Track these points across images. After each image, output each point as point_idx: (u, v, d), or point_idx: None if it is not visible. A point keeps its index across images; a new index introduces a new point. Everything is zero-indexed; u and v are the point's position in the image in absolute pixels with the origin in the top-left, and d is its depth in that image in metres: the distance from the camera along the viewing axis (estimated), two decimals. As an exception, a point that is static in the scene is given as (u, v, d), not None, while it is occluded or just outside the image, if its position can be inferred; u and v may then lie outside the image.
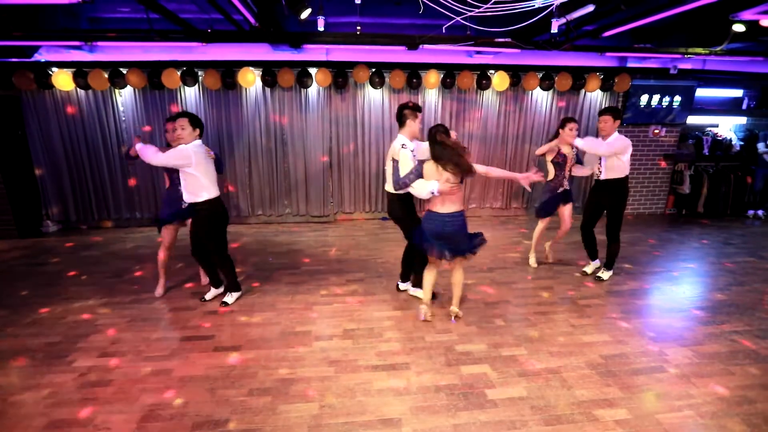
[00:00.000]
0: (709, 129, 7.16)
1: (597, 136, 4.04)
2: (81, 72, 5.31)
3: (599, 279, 4.12)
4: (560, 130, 3.96)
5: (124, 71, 5.40)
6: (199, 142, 3.25)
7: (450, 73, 5.84)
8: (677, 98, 6.36)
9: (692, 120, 6.76)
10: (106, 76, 5.35)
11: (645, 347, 2.95)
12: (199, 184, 3.21)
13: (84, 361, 2.78)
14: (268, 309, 3.53)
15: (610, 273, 4.16)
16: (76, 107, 5.67)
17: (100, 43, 4.99)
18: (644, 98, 6.32)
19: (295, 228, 6.20)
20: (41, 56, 5.31)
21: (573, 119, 3.95)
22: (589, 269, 4.29)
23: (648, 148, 6.74)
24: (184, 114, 3.21)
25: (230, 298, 3.63)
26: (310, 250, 5.12)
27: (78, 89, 5.56)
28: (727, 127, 7.26)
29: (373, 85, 5.84)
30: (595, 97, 6.43)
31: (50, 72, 5.34)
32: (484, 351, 2.91)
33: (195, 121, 3.23)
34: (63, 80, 5.31)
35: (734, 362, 2.79)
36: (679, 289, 3.98)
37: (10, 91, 5.45)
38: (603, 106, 6.48)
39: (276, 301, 3.69)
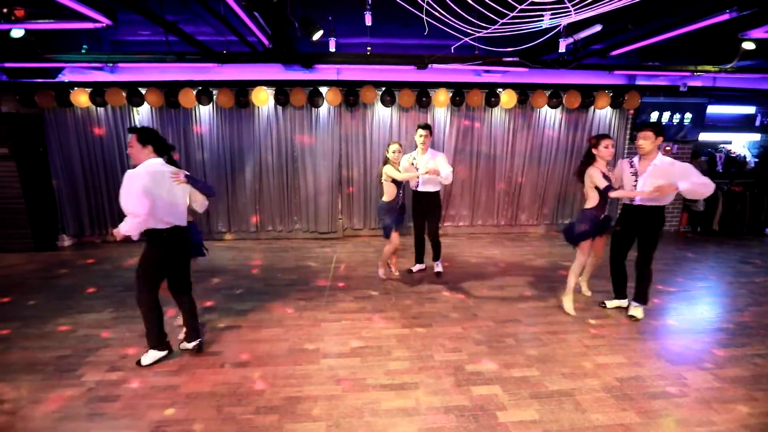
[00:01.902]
0: (722, 145, 7.08)
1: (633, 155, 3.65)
2: (101, 91, 5.52)
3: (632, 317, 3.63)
4: (594, 150, 3.46)
5: (143, 91, 5.59)
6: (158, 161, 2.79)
7: (459, 91, 5.92)
8: (688, 115, 6.32)
9: (704, 137, 6.70)
10: (125, 95, 5.55)
11: (662, 370, 2.85)
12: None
13: (93, 375, 2.79)
14: (275, 325, 3.51)
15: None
16: (96, 125, 5.86)
17: (120, 64, 5.21)
18: (654, 115, 6.29)
19: (304, 244, 6.22)
20: (64, 77, 5.54)
21: (608, 135, 3.50)
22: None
23: (659, 165, 6.66)
24: (132, 130, 2.77)
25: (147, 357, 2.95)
26: (319, 266, 5.12)
27: (98, 107, 5.76)
28: (741, 144, 7.17)
29: (384, 104, 5.93)
30: (604, 114, 6.43)
31: (71, 91, 5.55)
32: (494, 371, 2.84)
33: (143, 137, 2.73)
34: (83, 99, 5.53)
35: (758, 387, 2.67)
36: (696, 310, 3.86)
37: (33, 110, 5.68)
38: (612, 124, 6.49)
39: (284, 317, 3.67)
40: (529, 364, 2.93)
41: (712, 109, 6.58)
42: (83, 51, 4.83)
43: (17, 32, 3.70)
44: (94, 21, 3.31)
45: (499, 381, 2.73)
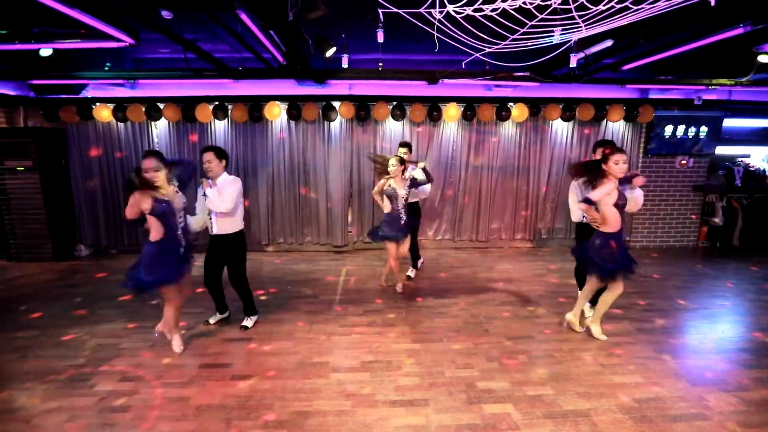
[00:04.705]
0: (740, 159, 6.94)
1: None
2: (122, 107, 5.72)
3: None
4: (603, 165, 3.13)
5: (161, 106, 5.77)
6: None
7: (470, 105, 5.95)
8: (704, 128, 6.23)
9: (721, 150, 6.58)
10: (144, 110, 5.74)
11: (682, 391, 2.75)
12: (239, 215, 3.48)
13: (105, 385, 2.81)
14: (285, 338, 3.51)
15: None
16: (116, 139, 6.06)
17: (141, 81, 5.40)
18: (669, 129, 6.22)
19: (314, 256, 6.24)
20: (88, 92, 5.76)
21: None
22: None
23: (675, 179, 6.56)
24: (210, 148, 3.41)
25: (249, 321, 3.71)
26: (329, 279, 5.12)
27: (118, 122, 5.96)
28: (760, 158, 7.02)
29: (395, 118, 6.00)
30: (617, 127, 6.38)
31: (93, 106, 5.76)
32: (507, 389, 2.77)
33: (221, 153, 3.42)
34: (105, 114, 5.74)
35: (785, 411, 2.55)
36: (717, 328, 3.73)
37: (57, 124, 5.91)
38: (626, 136, 6.42)
39: (294, 330, 3.67)
40: (542, 382, 2.86)
41: (729, 123, 6.48)
42: (106, 68, 5.03)
43: (46, 51, 3.88)
44: (118, 41, 3.46)
45: (512, 399, 2.66)
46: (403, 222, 4.27)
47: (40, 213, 5.72)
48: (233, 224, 3.47)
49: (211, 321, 3.78)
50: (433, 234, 6.66)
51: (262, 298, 4.46)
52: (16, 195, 5.69)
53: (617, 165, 3.06)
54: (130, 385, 2.81)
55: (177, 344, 3.25)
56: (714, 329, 3.71)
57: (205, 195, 3.31)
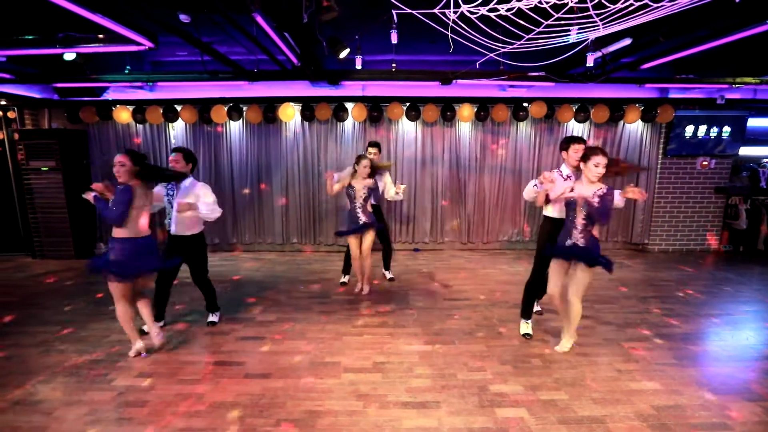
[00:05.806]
0: (765, 160, 6.70)
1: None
2: (141, 109, 5.86)
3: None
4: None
5: (178, 107, 5.89)
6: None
7: (483, 106, 5.91)
8: (726, 128, 6.04)
9: (745, 151, 6.37)
10: (162, 111, 5.87)
11: (703, 399, 2.66)
12: (199, 218, 3.48)
13: (123, 380, 2.88)
14: (298, 338, 3.53)
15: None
16: (135, 139, 6.21)
17: (159, 83, 5.52)
18: (689, 129, 6.05)
19: (327, 257, 6.27)
20: (108, 95, 5.93)
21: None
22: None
23: (696, 180, 6.38)
24: (179, 149, 3.45)
25: (214, 317, 3.83)
26: (342, 279, 5.13)
27: (137, 123, 6.11)
28: (787, 159, 6.77)
29: (409, 118, 5.99)
30: (635, 128, 6.24)
31: (113, 108, 5.92)
32: (520, 393, 2.73)
33: (189, 156, 3.47)
34: (124, 116, 5.89)
35: (814, 423, 2.44)
36: (740, 336, 3.60)
37: (79, 125, 6.09)
38: (644, 138, 6.27)
39: (306, 330, 3.69)
40: (557, 387, 2.81)
41: (754, 122, 6.27)
42: (126, 71, 5.16)
43: (69, 55, 4.00)
44: (138, 44, 3.55)
45: (525, 403, 2.62)
46: (362, 222, 4.25)
47: (62, 212, 5.91)
48: (197, 225, 3.53)
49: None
50: (445, 235, 6.62)
51: (257, 297, 4.51)
52: (40, 194, 5.88)
53: (597, 167, 2.85)
54: (146, 380, 2.87)
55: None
56: (737, 336, 3.59)
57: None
